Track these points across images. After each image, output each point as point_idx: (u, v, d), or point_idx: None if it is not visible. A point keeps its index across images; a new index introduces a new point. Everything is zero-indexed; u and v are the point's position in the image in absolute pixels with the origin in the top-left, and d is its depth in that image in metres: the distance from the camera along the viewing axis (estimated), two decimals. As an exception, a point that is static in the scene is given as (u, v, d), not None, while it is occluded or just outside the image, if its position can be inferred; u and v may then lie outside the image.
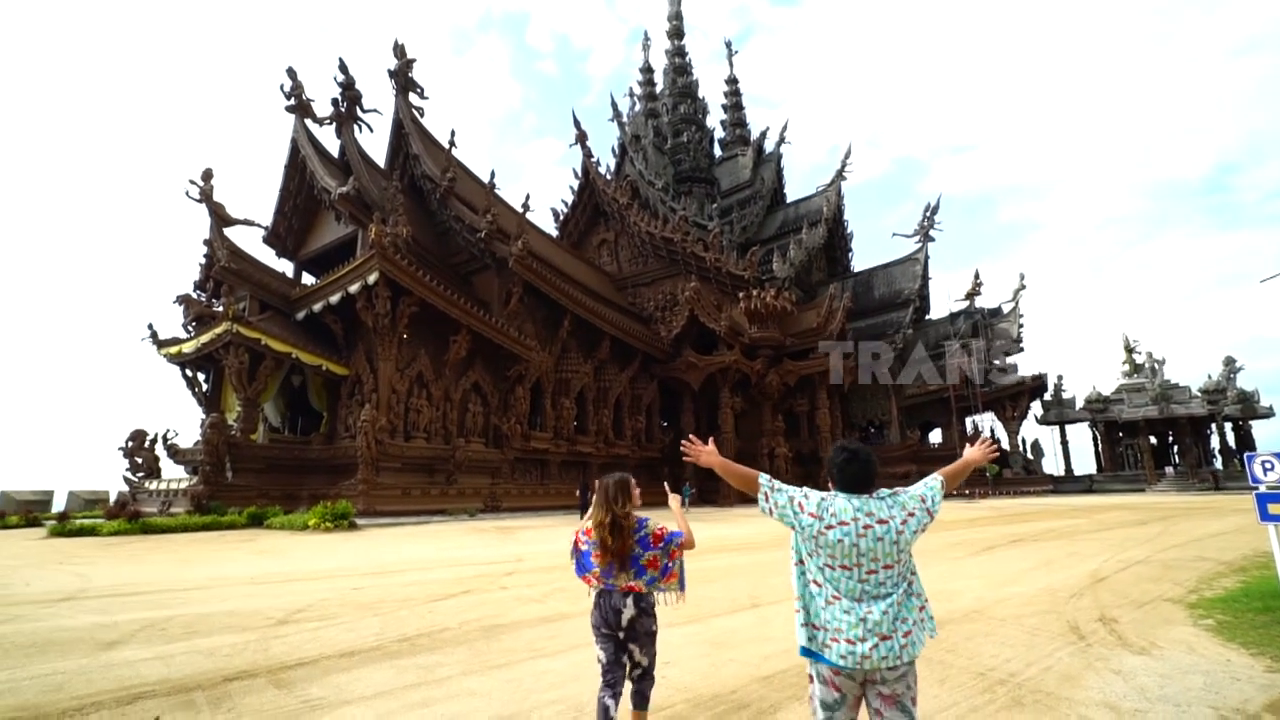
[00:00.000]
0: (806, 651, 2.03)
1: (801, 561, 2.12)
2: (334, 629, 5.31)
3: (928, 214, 42.92)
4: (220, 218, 23.88)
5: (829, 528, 2.00)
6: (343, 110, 27.64)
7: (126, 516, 15.80)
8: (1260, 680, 3.50)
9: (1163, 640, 4.38)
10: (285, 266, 28.16)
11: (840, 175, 47.06)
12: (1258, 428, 35.36)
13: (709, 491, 31.66)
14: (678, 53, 57.76)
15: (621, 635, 2.70)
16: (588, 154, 43.50)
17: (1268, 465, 5.53)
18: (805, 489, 2.19)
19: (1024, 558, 9.14)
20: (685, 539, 2.83)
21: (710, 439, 2.46)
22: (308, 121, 27.01)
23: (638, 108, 56.03)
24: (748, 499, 28.99)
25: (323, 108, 27.62)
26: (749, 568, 8.98)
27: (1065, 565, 8.20)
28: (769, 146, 54.38)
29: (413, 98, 31.24)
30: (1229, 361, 34.68)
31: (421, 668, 4.09)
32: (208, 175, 23.69)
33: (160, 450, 23.41)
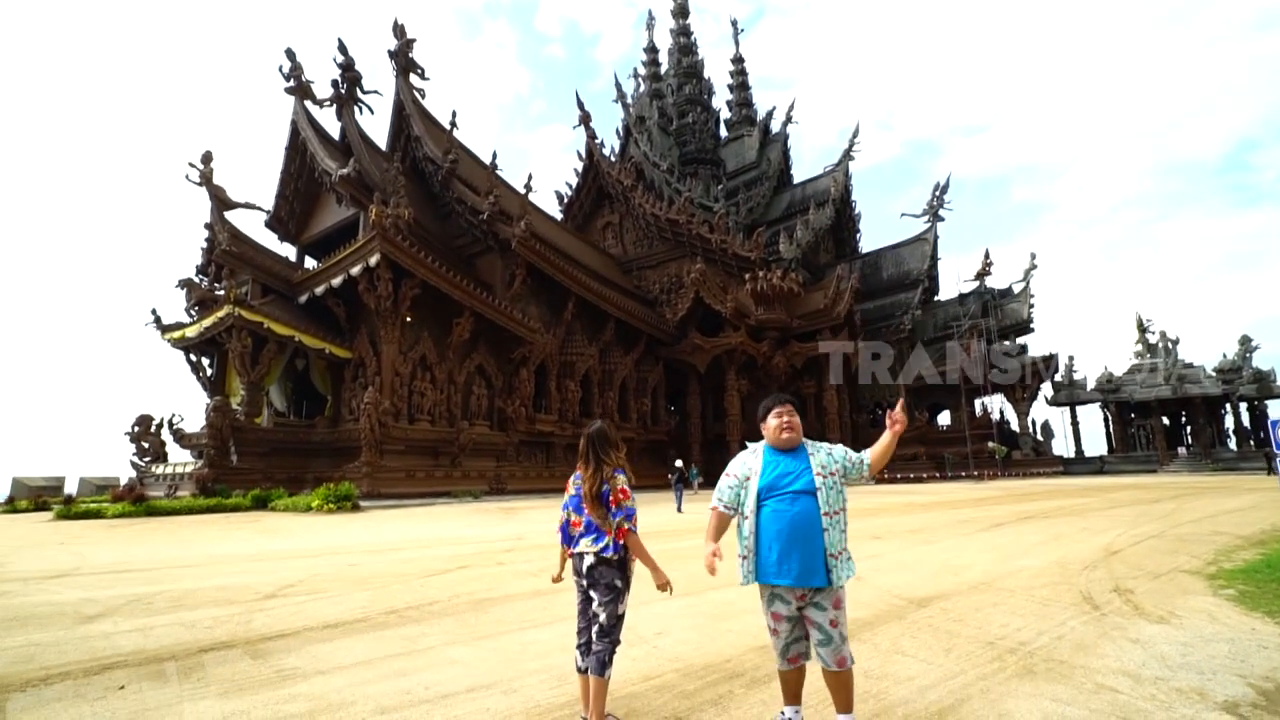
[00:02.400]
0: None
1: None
2: (321, 602, 5.17)
3: (937, 193, 42.29)
4: (221, 201, 23.73)
5: None
6: (343, 92, 27.34)
7: (131, 499, 15.83)
8: (1288, 649, 3.28)
9: (1182, 610, 4.16)
10: (288, 251, 28.02)
11: (848, 155, 46.31)
12: (1274, 407, 34.80)
13: (716, 475, 31.53)
14: (683, 32, 56.87)
15: (585, 583, 2.69)
16: (591, 135, 43.00)
17: (1293, 430, 5.27)
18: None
19: (1034, 533, 8.92)
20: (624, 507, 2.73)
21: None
22: (308, 104, 26.73)
23: (642, 89, 55.31)
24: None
25: (325, 90, 27.37)
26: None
27: (1077, 539, 7.98)
28: (775, 127, 53.63)
29: (414, 79, 30.89)
30: (1245, 341, 34.06)
31: (405, 638, 3.94)
32: (207, 158, 23.52)
33: (166, 435, 23.54)
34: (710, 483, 30.72)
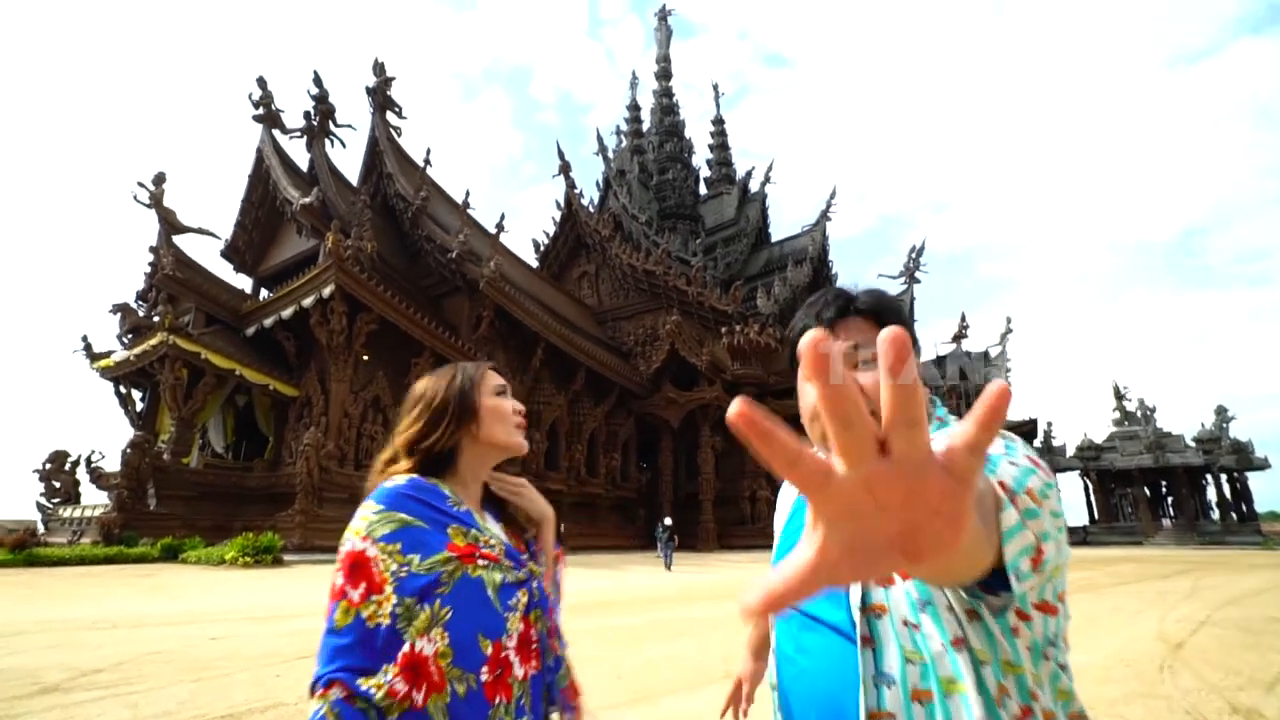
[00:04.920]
0: None
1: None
2: (109, 703, 3.60)
3: (913, 255, 42.41)
4: (170, 224, 22.30)
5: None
6: (314, 123, 26.58)
7: (11, 545, 13.71)
8: None
9: (1362, 750, 2.85)
10: (244, 283, 26.47)
11: (825, 216, 46.62)
12: (1253, 480, 34.34)
13: (687, 535, 29.70)
14: (665, 93, 58.06)
15: None
16: (571, 185, 42.74)
17: None
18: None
19: (1056, 614, 7.57)
20: None
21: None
22: (277, 134, 25.83)
23: (623, 144, 55.90)
24: (729, 544, 26.92)
25: (297, 122, 26.52)
26: (723, 622, 7.29)
27: (1117, 625, 6.65)
28: (754, 186, 54.14)
29: (391, 117, 30.36)
30: (1221, 411, 33.88)
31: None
32: (159, 179, 22.20)
33: (84, 474, 21.28)
34: (681, 544, 28.74)
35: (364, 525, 0.93)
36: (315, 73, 26.59)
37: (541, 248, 44.46)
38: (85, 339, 21.85)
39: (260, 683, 4.11)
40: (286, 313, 20.58)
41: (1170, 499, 35.75)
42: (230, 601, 8.57)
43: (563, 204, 43.47)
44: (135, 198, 21.80)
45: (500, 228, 27.66)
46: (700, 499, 30.42)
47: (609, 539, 27.73)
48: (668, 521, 19.01)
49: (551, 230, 44.26)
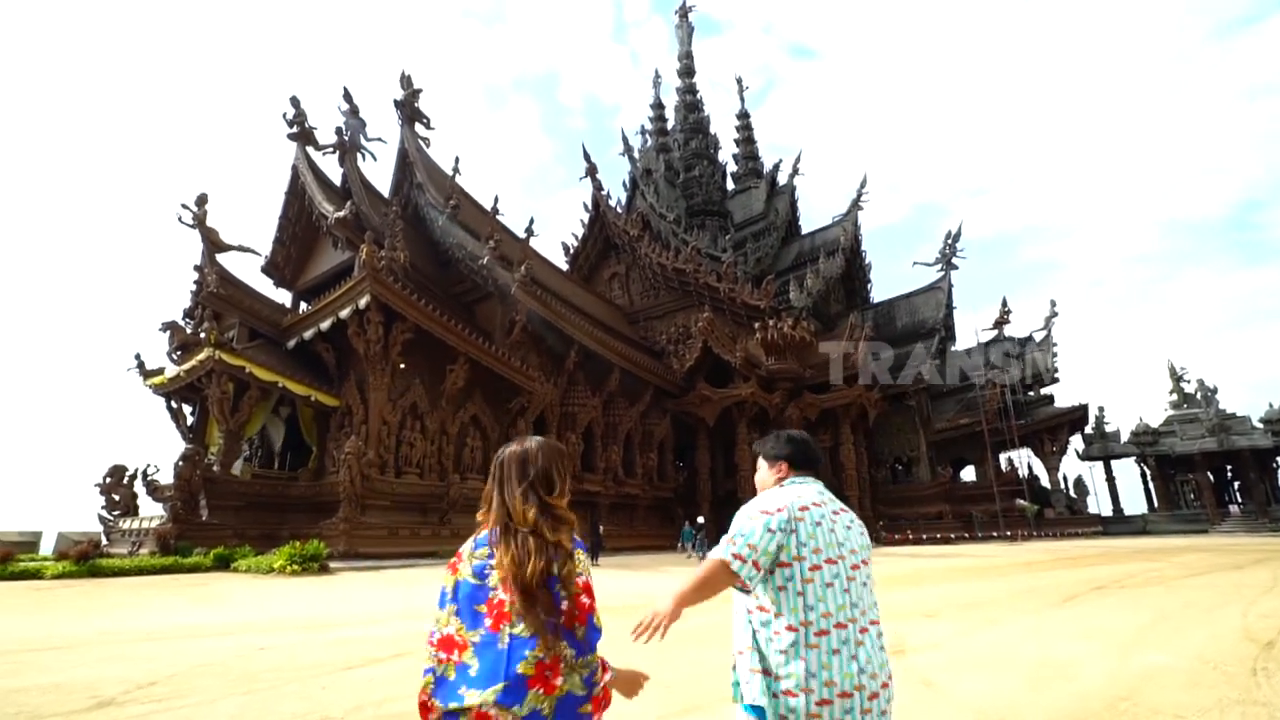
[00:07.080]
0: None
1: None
2: (162, 717, 3.61)
3: (949, 241, 41.30)
4: (214, 244, 22.96)
5: (803, 509, 1.69)
6: (346, 138, 27.09)
7: (75, 557, 14.24)
8: None
9: None
10: (284, 297, 27.16)
11: (857, 205, 45.76)
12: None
13: (722, 532, 29.42)
14: (689, 90, 57.76)
15: None
16: (598, 186, 42.82)
17: None
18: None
19: (1125, 610, 7.17)
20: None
21: None
22: (310, 150, 26.41)
23: (649, 143, 55.75)
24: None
25: (329, 137, 27.06)
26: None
27: (1192, 621, 6.25)
28: (782, 179, 53.45)
29: (419, 128, 30.79)
30: (1288, 391, 32.04)
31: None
32: (202, 200, 22.89)
33: (141, 487, 22.08)
34: (715, 541, 28.45)
35: (585, 567, 1.42)
36: (345, 89, 27.12)
37: (571, 250, 44.64)
38: (138, 357, 22.63)
39: (307, 695, 4.09)
40: (325, 325, 20.99)
41: (1237, 484, 34.00)
42: (278, 610, 8.71)
43: (590, 206, 43.61)
44: (180, 219, 22.52)
45: (530, 232, 27.82)
46: (739, 497, 30.08)
47: (648, 539, 27.65)
48: (700, 520, 18.90)
49: (580, 233, 44.41)
